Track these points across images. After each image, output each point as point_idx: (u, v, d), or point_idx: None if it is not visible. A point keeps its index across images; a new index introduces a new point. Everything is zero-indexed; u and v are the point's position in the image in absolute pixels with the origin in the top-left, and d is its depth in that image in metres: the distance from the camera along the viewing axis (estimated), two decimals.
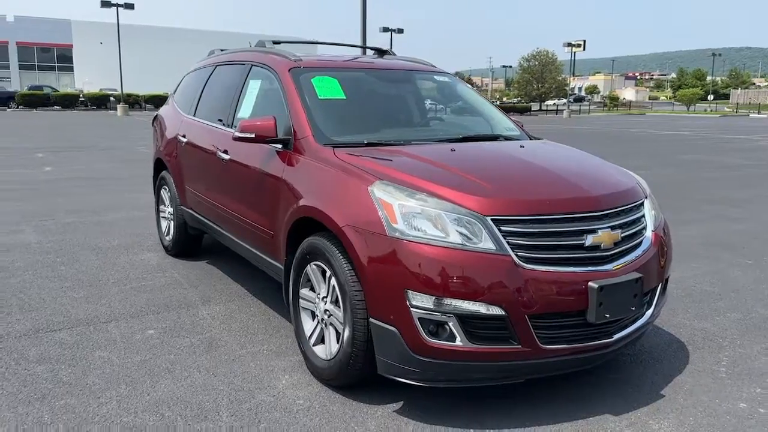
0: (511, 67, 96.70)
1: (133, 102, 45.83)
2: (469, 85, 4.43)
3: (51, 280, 4.71)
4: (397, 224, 2.67)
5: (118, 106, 39.06)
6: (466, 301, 2.57)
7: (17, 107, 42.09)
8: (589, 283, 2.67)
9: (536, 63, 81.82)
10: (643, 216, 3.13)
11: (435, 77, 4.44)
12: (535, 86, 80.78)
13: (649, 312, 3.06)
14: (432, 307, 2.58)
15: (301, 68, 3.85)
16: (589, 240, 2.75)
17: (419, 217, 2.67)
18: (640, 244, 3.01)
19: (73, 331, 3.73)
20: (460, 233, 2.62)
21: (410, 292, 2.60)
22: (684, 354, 3.55)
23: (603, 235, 2.79)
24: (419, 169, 3.01)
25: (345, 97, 3.74)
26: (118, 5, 37.34)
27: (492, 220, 2.65)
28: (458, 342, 2.61)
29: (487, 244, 2.62)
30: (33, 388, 3.01)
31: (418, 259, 2.60)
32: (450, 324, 2.59)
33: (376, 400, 2.95)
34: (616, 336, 2.85)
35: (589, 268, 2.73)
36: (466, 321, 2.60)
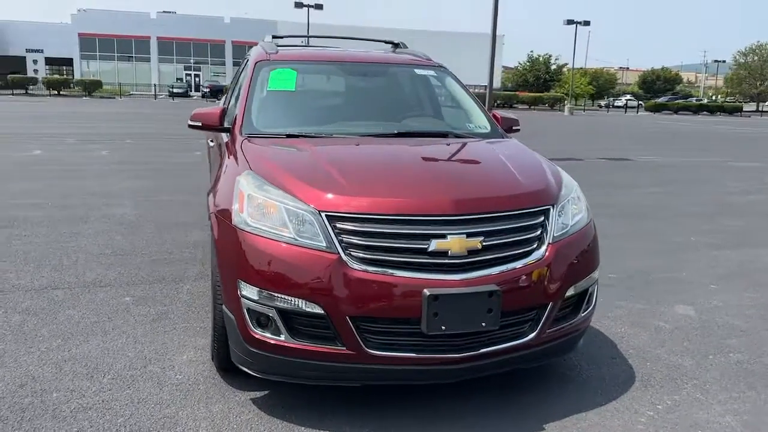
0: (724, 62, 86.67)
1: None
2: (456, 79, 4.21)
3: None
4: (243, 214, 2.71)
5: None
6: (286, 296, 2.55)
7: None
8: (423, 291, 2.48)
9: (755, 58, 72.66)
10: (536, 225, 2.79)
11: (415, 70, 4.29)
12: (754, 84, 71.87)
13: (532, 334, 2.73)
14: (257, 298, 2.60)
15: (268, 61, 4.00)
16: (433, 245, 2.55)
17: (260, 208, 2.69)
18: (521, 255, 2.70)
19: (71, 292, 4.29)
20: (294, 228, 2.59)
21: (241, 282, 2.64)
22: None
23: (452, 242, 2.56)
24: (296, 162, 3.01)
25: (294, 89, 3.82)
26: (309, 6, 40.41)
27: (327, 216, 2.58)
28: (282, 337, 2.59)
29: (317, 240, 2.56)
30: None
31: (250, 250, 2.63)
32: (274, 318, 2.59)
33: (249, 386, 3.01)
34: (468, 353, 2.60)
35: (429, 275, 2.53)
36: (288, 316, 2.58)
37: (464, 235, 2.59)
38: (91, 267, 4.86)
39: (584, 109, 59.78)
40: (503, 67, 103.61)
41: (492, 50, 13.10)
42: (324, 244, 2.55)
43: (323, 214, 2.58)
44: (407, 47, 4.84)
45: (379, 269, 2.52)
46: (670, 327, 3.97)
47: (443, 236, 2.57)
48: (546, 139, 20.52)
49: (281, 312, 2.57)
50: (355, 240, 2.55)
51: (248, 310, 2.63)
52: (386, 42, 4.99)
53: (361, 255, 2.54)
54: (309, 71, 4.06)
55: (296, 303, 2.54)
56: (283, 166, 2.92)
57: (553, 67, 68.63)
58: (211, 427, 2.67)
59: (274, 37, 4.57)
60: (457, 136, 3.69)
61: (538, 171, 3.13)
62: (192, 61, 64.30)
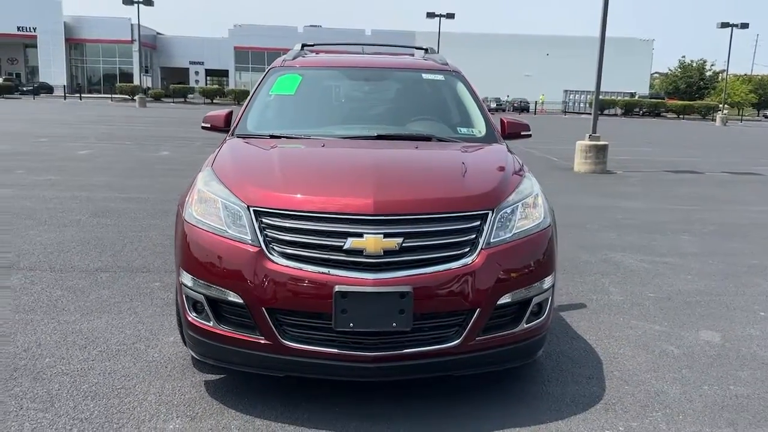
0: None
1: None
2: (466, 85, 4.15)
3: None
4: (191, 207, 2.93)
5: None
6: (212, 285, 2.72)
7: None
8: (334, 287, 2.54)
9: None
10: (468, 230, 2.72)
11: (423, 75, 4.28)
12: None
13: (457, 340, 2.67)
14: (191, 285, 2.80)
15: (281, 68, 4.22)
16: (348, 243, 2.59)
17: (204, 202, 2.89)
18: (447, 258, 2.66)
19: (114, 275, 4.80)
20: (227, 221, 2.76)
21: (182, 270, 2.86)
22: None
23: (368, 241, 2.58)
24: (250, 160, 3.22)
25: (293, 93, 4.00)
26: (440, 16, 40.76)
27: (254, 211, 2.72)
28: (211, 323, 2.77)
29: (243, 234, 2.70)
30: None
31: (190, 241, 2.84)
32: (203, 304, 2.77)
33: (209, 370, 3.22)
34: (382, 353, 2.61)
35: (343, 273, 2.57)
36: (215, 304, 2.75)
37: (381, 235, 2.60)
38: (144, 255, 5.38)
39: (741, 119, 54.40)
40: (656, 73, 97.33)
41: (600, 55, 12.42)
42: (249, 238, 2.68)
43: (251, 209, 2.72)
44: (436, 52, 4.85)
45: (296, 264, 2.61)
46: (679, 352, 3.62)
47: (360, 235, 2.60)
48: (671, 150, 19.07)
49: (209, 299, 2.74)
50: (276, 235, 2.67)
51: (186, 296, 2.84)
52: (417, 48, 5.03)
53: (280, 249, 2.65)
54: (316, 76, 4.23)
55: (221, 291, 2.70)
56: (236, 164, 3.11)
57: (708, 73, 63.26)
58: (156, 400, 2.91)
59: (303, 45, 4.78)
60: (440, 140, 3.66)
61: (491, 176, 3.04)
62: None
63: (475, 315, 2.68)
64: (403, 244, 2.61)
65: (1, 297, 4.20)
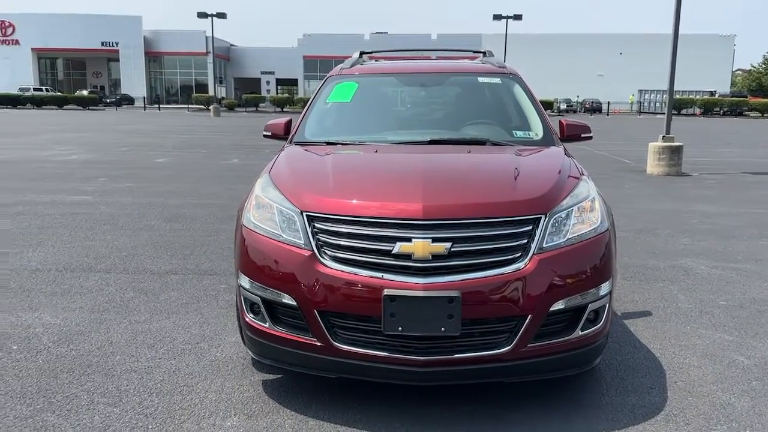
0: None
1: None
2: (524, 87, 4.10)
3: None
4: (249, 213, 3.04)
5: None
6: (268, 287, 2.81)
7: None
8: (383, 291, 2.57)
9: None
10: (520, 234, 2.70)
11: (479, 79, 4.25)
12: None
13: (508, 347, 2.64)
14: (248, 287, 2.90)
15: (338, 75, 4.31)
16: (397, 248, 2.62)
17: (260, 208, 2.99)
18: (498, 263, 2.64)
19: (184, 277, 5.01)
20: (281, 226, 2.85)
21: (240, 273, 2.97)
22: None
23: (416, 245, 2.60)
24: (305, 166, 3.32)
25: (349, 101, 4.06)
26: (507, 17, 40.29)
27: (307, 216, 2.79)
28: (267, 324, 2.86)
29: (296, 237, 2.78)
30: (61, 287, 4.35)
31: (246, 244, 2.94)
32: (260, 306, 2.86)
33: (268, 370, 3.32)
34: (431, 357, 2.61)
35: (392, 277, 2.60)
36: (270, 305, 2.84)
37: (429, 240, 2.61)
38: (211, 258, 5.60)
39: None
40: (739, 70, 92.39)
41: (673, 52, 11.90)
42: (302, 242, 2.76)
43: (304, 214, 2.80)
44: (493, 56, 4.81)
45: (346, 267, 2.66)
46: (749, 363, 3.44)
47: (408, 240, 2.62)
48: (752, 151, 18.10)
49: (264, 301, 2.83)
50: (328, 239, 2.73)
51: (244, 298, 2.94)
52: (475, 52, 5.02)
53: (331, 253, 2.70)
54: (371, 83, 4.28)
55: (275, 294, 2.78)
56: (291, 171, 3.20)
57: None
58: (216, 398, 3.02)
59: (362, 53, 4.86)
60: (495, 143, 3.63)
61: (544, 180, 2.99)
62: None
63: (526, 321, 2.65)
64: (452, 249, 2.62)
65: (79, 298, 4.47)
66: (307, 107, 4.12)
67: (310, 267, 2.70)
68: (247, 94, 59.23)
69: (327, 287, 2.67)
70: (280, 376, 3.25)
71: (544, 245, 2.71)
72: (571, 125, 3.95)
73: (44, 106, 50.36)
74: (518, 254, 2.68)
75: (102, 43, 63.83)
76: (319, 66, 66.95)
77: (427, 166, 3.17)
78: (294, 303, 2.73)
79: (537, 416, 2.87)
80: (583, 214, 2.88)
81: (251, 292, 2.89)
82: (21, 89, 54.26)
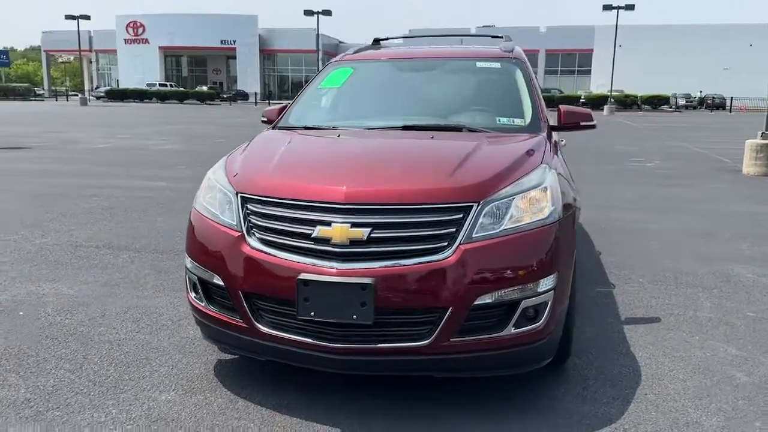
0: None
1: (630, 103, 46.21)
2: (525, 73, 3.85)
3: None
4: (199, 194, 3.10)
5: (605, 106, 40.21)
6: (202, 267, 2.86)
7: None
8: (299, 275, 2.53)
9: None
10: (446, 222, 2.55)
11: (477, 64, 4.04)
12: None
13: (428, 340, 2.50)
14: (190, 267, 2.96)
15: (338, 61, 4.29)
16: (316, 231, 2.56)
17: (206, 190, 3.03)
18: (419, 252, 2.51)
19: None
20: (220, 207, 2.87)
21: (185, 252, 3.03)
22: None
23: (335, 229, 2.53)
24: (260, 149, 3.33)
25: (339, 86, 4.02)
26: (618, 8, 38.18)
27: (241, 197, 2.80)
28: (203, 303, 2.90)
29: (231, 218, 2.80)
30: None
31: (192, 225, 3.00)
32: (197, 285, 2.91)
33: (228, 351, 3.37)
34: (345, 345, 2.54)
35: (310, 260, 2.55)
36: (204, 285, 2.87)
37: (348, 225, 2.53)
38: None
39: None
40: None
41: None
42: (234, 223, 2.77)
43: (239, 196, 2.81)
44: (510, 40, 4.58)
45: (270, 249, 2.64)
46: (746, 380, 3.05)
47: (328, 224, 2.56)
48: None
49: (201, 281, 2.88)
50: (257, 221, 2.72)
51: (188, 278, 3.01)
52: (493, 37, 4.80)
53: (259, 235, 2.70)
54: (366, 69, 4.22)
55: (209, 274, 2.82)
56: (246, 154, 3.23)
57: None
58: (166, 373, 3.10)
59: (376, 40, 4.79)
60: (471, 130, 3.44)
61: (488, 168, 2.81)
62: None
63: (447, 314, 2.50)
64: (371, 235, 2.52)
65: (100, 273, 4.77)
66: (300, 92, 4.14)
67: (237, 248, 2.71)
68: None
69: (250, 268, 2.66)
70: (236, 357, 3.29)
71: (474, 235, 2.54)
72: (568, 113, 3.68)
73: (167, 101, 54.24)
74: (444, 243, 2.53)
75: (221, 42, 67.55)
76: None
77: (372, 151, 3.08)
78: (222, 283, 2.75)
79: (472, 417, 2.71)
80: (528, 204, 2.67)
81: (192, 273, 2.94)
82: (148, 85, 58.82)
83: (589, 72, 65.02)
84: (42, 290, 4.35)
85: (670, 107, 50.54)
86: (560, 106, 3.74)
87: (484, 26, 68.40)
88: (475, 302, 2.51)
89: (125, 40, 68.11)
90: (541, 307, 2.64)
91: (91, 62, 73.97)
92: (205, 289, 2.88)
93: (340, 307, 2.49)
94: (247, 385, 2.98)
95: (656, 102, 48.34)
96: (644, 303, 4.18)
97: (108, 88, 62.53)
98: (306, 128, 3.66)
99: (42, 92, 72.53)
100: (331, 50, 69.64)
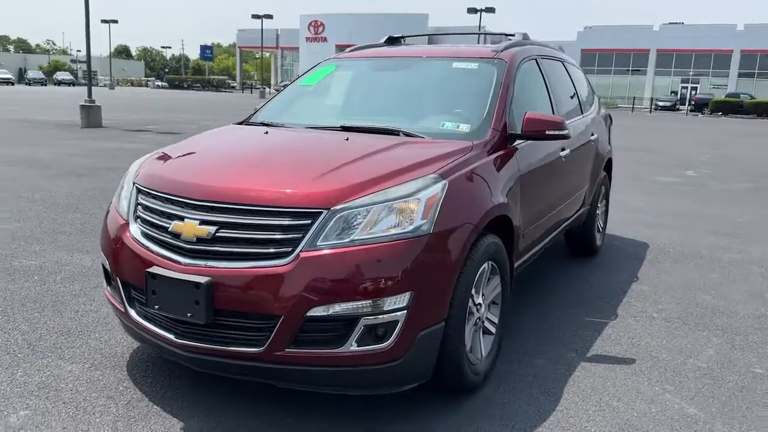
0: None
1: None
2: (502, 76, 3.52)
3: None
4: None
5: None
6: (102, 254, 3.03)
7: (710, 113, 43.56)
8: (150, 268, 2.60)
9: None
10: (292, 228, 2.47)
11: (454, 64, 3.75)
12: None
13: (262, 347, 2.43)
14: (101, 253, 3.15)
15: (331, 58, 4.31)
16: (171, 226, 2.61)
17: (123, 183, 3.17)
18: (261, 255, 2.46)
19: None
20: (122, 195, 3.03)
21: None
22: None
23: (185, 225, 2.57)
24: (185, 143, 3.41)
25: (313, 84, 3.99)
26: None
27: (135, 188, 2.93)
28: (109, 289, 3.05)
29: (124, 207, 2.95)
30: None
31: (105, 213, 3.18)
32: (103, 268, 3.09)
33: None
34: (185, 342, 2.56)
35: (166, 253, 2.61)
36: (105, 271, 3.04)
37: (197, 221, 2.54)
38: None
39: None
40: None
41: None
42: (125, 212, 2.92)
43: (135, 186, 2.94)
44: (529, 38, 4.29)
45: (142, 240, 2.74)
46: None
47: (182, 219, 2.59)
48: None
49: (103, 267, 3.06)
50: (140, 212, 2.84)
51: (102, 265, 3.18)
52: (506, 35, 4.45)
53: (137, 225, 2.81)
54: (346, 67, 4.16)
55: (103, 258, 3.00)
56: (171, 147, 3.35)
57: None
58: (93, 345, 3.34)
59: (389, 38, 4.64)
60: (406, 134, 3.22)
61: (354, 175, 2.66)
62: (691, 73, 60.41)
63: (278, 323, 2.41)
64: (217, 234, 2.51)
65: None
66: (282, 89, 4.20)
67: (121, 236, 2.84)
68: None
69: (126, 256, 2.78)
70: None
71: (318, 243, 2.42)
72: (531, 120, 3.30)
73: None
74: (287, 249, 2.44)
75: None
76: (597, 60, 63.41)
77: (264, 150, 3.09)
78: (108, 268, 2.91)
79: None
80: (390, 215, 2.48)
81: (101, 262, 3.13)
82: None
83: None
84: (66, 259, 4.85)
85: None
86: (532, 115, 3.36)
87: (670, 23, 63.06)
88: (308, 313, 2.39)
89: (306, 38, 72.87)
90: (390, 326, 2.44)
91: (277, 58, 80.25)
92: (106, 275, 3.05)
93: (178, 303, 2.51)
94: (151, 371, 3.10)
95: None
96: (634, 341, 3.64)
97: (286, 82, 67.48)
98: (263, 124, 3.71)
99: (234, 85, 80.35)
100: None
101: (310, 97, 4.12)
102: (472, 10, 43.53)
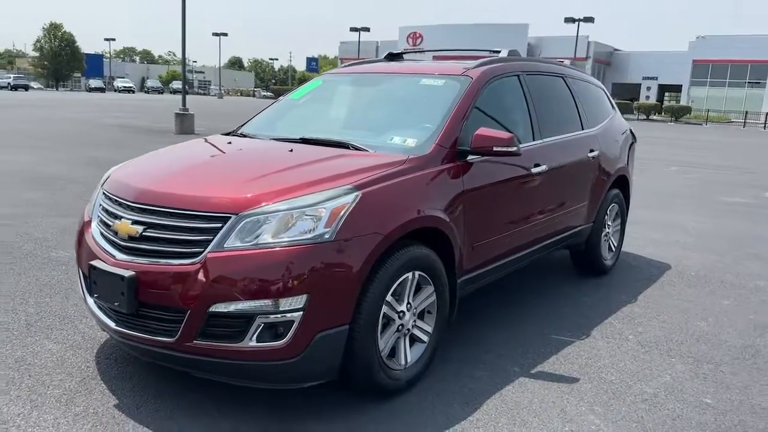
0: None
1: None
2: (466, 94, 3.60)
3: None
4: None
5: None
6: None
7: None
8: (92, 260, 2.95)
9: None
10: (204, 230, 2.73)
11: (422, 81, 3.85)
12: None
13: (173, 338, 2.70)
14: None
15: (324, 73, 4.56)
16: (113, 224, 2.95)
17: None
18: (178, 254, 2.74)
19: None
20: (93, 198, 3.42)
21: None
22: None
23: (121, 224, 2.90)
24: (163, 151, 3.75)
25: (298, 99, 4.27)
26: None
27: (102, 191, 3.30)
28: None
29: (90, 207, 3.36)
30: None
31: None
32: None
33: None
34: (119, 329, 2.87)
35: (107, 248, 2.95)
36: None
37: (130, 221, 2.87)
38: None
39: None
40: None
41: None
42: (90, 211, 3.31)
43: (101, 189, 3.32)
44: (518, 54, 4.36)
45: (95, 236, 3.11)
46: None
47: (120, 218, 2.93)
48: None
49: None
50: (99, 212, 3.22)
51: None
52: (493, 52, 4.51)
53: (95, 223, 3.19)
54: (329, 83, 4.42)
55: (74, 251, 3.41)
56: (148, 155, 3.71)
57: None
58: (89, 329, 3.77)
59: (390, 55, 4.80)
60: (355, 148, 3.39)
61: (266, 183, 2.92)
62: None
63: (186, 316, 2.67)
64: (144, 233, 2.81)
65: None
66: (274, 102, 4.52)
67: (84, 232, 3.23)
68: (623, 100, 56.64)
69: (84, 250, 3.16)
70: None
71: (225, 245, 2.67)
72: (480, 137, 3.36)
73: None
74: (199, 249, 2.70)
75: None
76: (710, 71, 59.68)
77: (210, 158, 3.40)
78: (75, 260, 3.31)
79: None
80: (294, 222, 2.68)
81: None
82: None
83: None
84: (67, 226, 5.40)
85: None
86: (484, 131, 3.41)
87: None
88: (211, 309, 2.63)
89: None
90: (286, 325, 2.63)
91: None
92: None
93: (109, 293, 2.85)
94: (115, 354, 3.46)
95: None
96: (590, 362, 3.58)
97: None
98: (241, 135, 4.02)
99: None
100: (604, 58, 66.29)
101: (291, 110, 4.39)
102: (569, 20, 42.40)
